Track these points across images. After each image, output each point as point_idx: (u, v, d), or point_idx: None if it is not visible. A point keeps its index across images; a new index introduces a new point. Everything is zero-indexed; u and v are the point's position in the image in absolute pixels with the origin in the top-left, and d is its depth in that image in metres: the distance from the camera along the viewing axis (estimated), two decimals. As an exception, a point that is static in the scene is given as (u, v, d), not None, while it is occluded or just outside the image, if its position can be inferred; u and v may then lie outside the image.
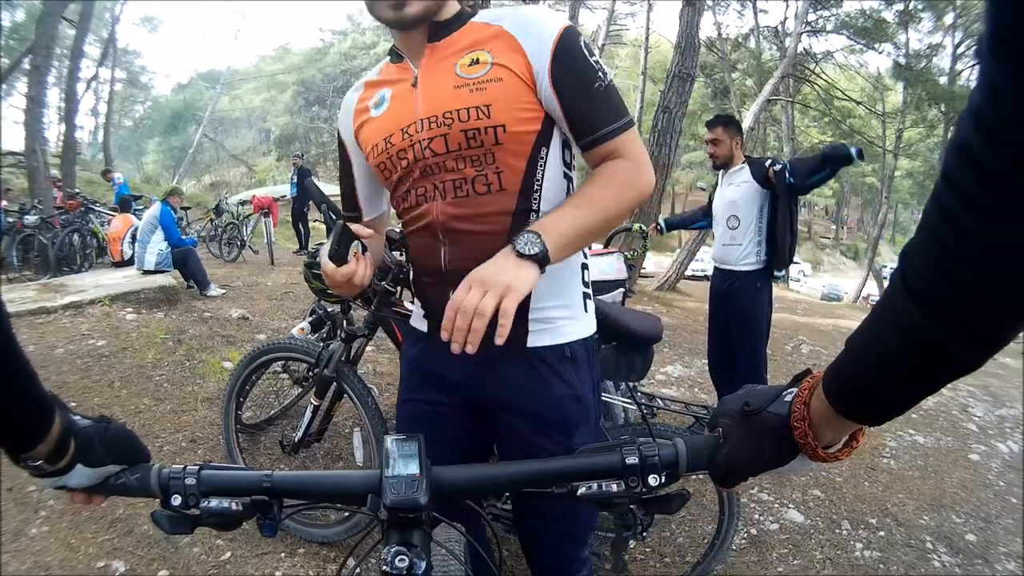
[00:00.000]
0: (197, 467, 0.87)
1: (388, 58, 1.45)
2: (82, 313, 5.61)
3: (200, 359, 4.77)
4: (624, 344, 2.27)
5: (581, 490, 0.87)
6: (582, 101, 1.26)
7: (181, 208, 9.27)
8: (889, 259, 46.41)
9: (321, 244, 2.86)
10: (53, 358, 4.54)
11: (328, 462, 3.43)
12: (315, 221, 13.89)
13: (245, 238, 11.74)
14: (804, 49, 23.26)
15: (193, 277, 7.43)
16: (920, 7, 23.87)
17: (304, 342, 2.83)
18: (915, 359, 0.62)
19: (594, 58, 1.28)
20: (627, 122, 1.30)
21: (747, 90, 26.01)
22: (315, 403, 2.72)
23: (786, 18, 25.55)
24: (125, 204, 9.75)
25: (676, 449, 0.86)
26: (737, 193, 4.09)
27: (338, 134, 1.54)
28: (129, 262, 8.37)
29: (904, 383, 0.65)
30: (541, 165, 1.31)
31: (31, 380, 0.77)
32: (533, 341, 1.37)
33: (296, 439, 2.83)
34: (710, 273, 4.44)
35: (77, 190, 13.64)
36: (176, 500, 0.85)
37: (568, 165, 1.37)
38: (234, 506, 0.86)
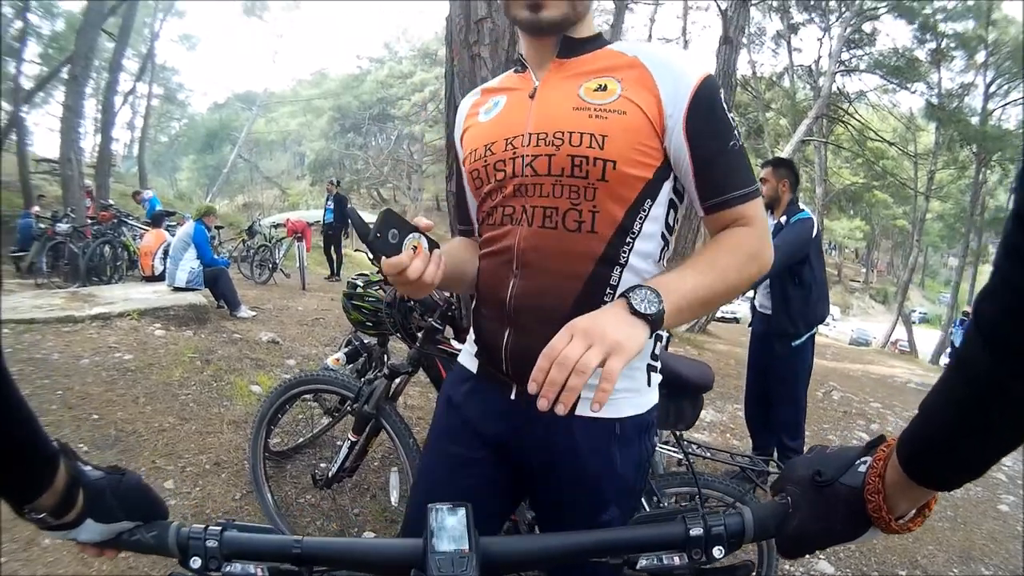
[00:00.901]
0: (220, 527, 0.82)
1: (512, 69, 1.38)
2: (110, 325, 5.63)
3: (228, 381, 4.75)
4: (674, 392, 2.19)
5: (641, 563, 0.82)
6: (716, 158, 1.16)
7: (214, 227, 9.33)
8: (918, 304, 46.03)
9: (362, 275, 2.84)
10: (78, 368, 4.54)
11: (355, 495, 3.37)
12: (349, 249, 13.91)
13: (277, 261, 11.80)
14: (837, 88, 23.28)
15: (224, 297, 7.43)
16: (952, 45, 23.87)
17: (342, 375, 2.79)
18: (994, 412, 0.60)
19: (731, 114, 1.18)
20: (756, 189, 1.19)
21: (781, 129, 26.04)
22: (352, 439, 2.65)
23: (820, 57, 25.66)
24: (158, 219, 9.85)
25: (742, 518, 0.81)
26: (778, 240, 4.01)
27: (449, 138, 1.53)
28: (160, 277, 8.43)
29: (983, 440, 0.63)
30: (641, 218, 1.18)
31: (29, 424, 0.71)
32: (583, 409, 1.20)
33: (330, 474, 2.76)
34: (740, 316, 4.37)
35: (111, 202, 13.78)
36: (196, 562, 0.80)
37: (669, 228, 1.25)
38: (260, 572, 0.81)
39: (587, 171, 1.14)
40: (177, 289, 7.27)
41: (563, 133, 1.16)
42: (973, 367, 0.60)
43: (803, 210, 3.96)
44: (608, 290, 1.19)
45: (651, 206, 1.18)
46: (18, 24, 21.42)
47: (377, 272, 2.84)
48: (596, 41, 1.27)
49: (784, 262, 3.77)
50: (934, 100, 24.34)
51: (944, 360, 15.85)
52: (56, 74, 22.29)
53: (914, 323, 29.90)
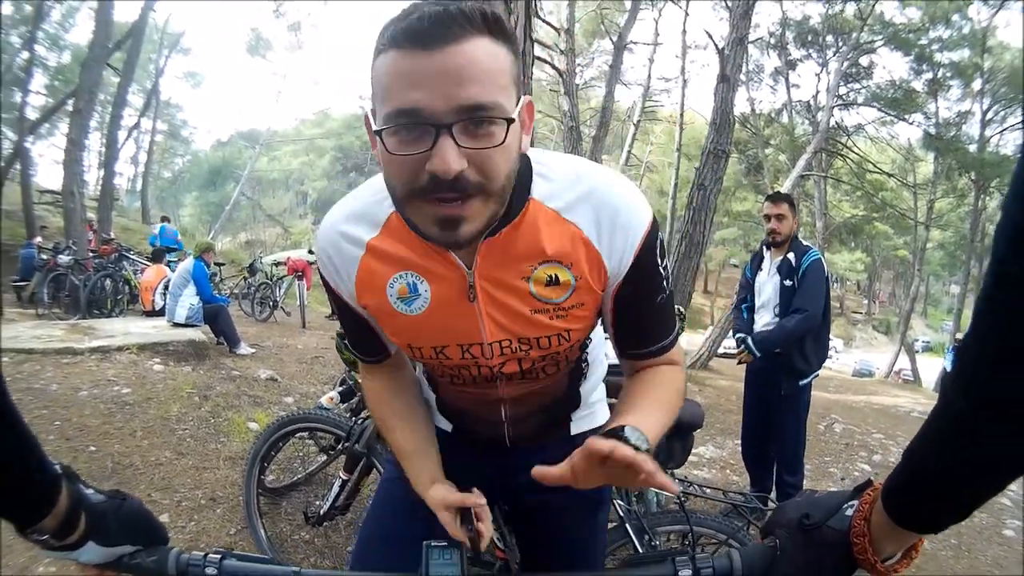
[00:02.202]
0: (219, 555, 0.85)
1: (394, 210, 1.03)
2: (109, 358, 5.64)
3: (225, 417, 4.75)
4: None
5: (632, 604, 0.83)
6: (640, 321, 1.12)
7: (215, 264, 9.37)
8: (921, 333, 45.89)
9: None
10: (76, 400, 4.56)
11: (350, 533, 3.35)
12: None
13: (278, 299, 11.88)
14: (836, 123, 23.45)
15: (223, 334, 7.42)
16: (949, 75, 24.13)
17: (335, 414, 2.82)
18: (973, 458, 0.62)
19: (664, 264, 1.09)
20: (674, 338, 1.16)
21: (780, 165, 26.15)
22: (344, 477, 2.68)
23: (818, 92, 25.86)
24: (158, 255, 9.93)
25: (731, 561, 0.83)
26: (775, 277, 4.05)
27: (324, 279, 1.18)
28: (160, 312, 8.49)
29: (963, 485, 0.65)
30: (592, 333, 1.23)
31: (32, 449, 0.73)
32: (576, 429, 1.36)
33: (322, 511, 2.78)
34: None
35: (112, 236, 13.94)
36: (194, 588, 0.81)
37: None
38: None
39: (556, 358, 1.16)
40: (176, 325, 7.29)
41: (529, 339, 1.08)
42: (952, 414, 0.62)
43: (810, 247, 3.99)
44: (582, 377, 1.31)
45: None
46: (24, 55, 21.67)
47: None
48: (521, 197, 1.01)
49: (821, 310, 3.84)
50: (932, 130, 24.52)
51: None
52: (61, 106, 22.18)
53: (917, 352, 29.83)
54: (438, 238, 0.90)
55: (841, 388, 14.43)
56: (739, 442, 4.52)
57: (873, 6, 22.56)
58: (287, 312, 12.06)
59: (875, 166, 24.80)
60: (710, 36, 11.48)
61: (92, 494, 0.85)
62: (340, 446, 2.73)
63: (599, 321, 1.19)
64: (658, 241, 1.04)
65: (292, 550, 3.19)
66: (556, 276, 1.03)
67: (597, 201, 1.01)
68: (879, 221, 31.09)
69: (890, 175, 25.88)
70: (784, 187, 16.84)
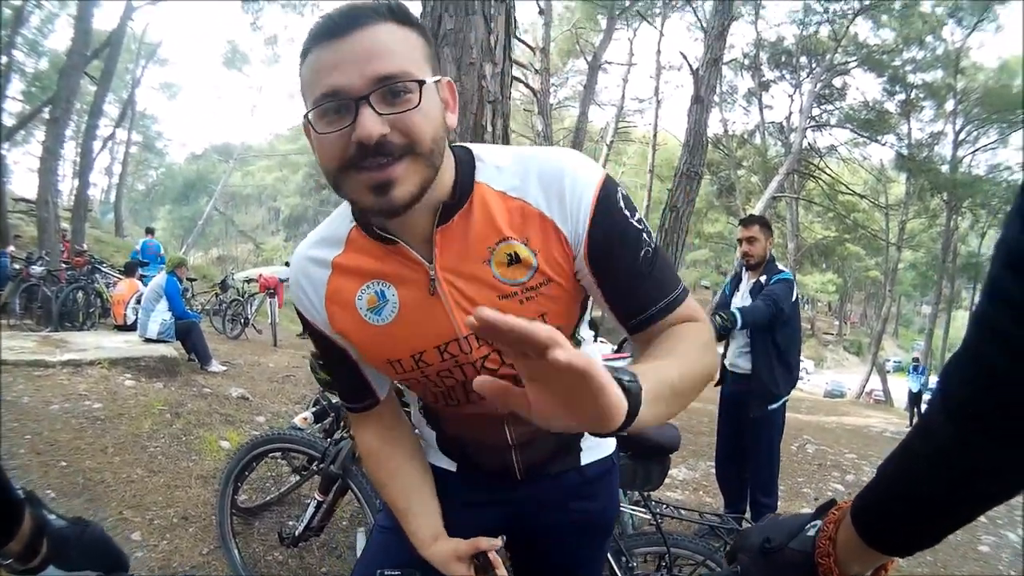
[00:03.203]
0: None
1: (353, 224, 1.11)
2: (80, 372, 5.56)
3: (197, 435, 4.68)
4: (642, 453, 2.22)
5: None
6: (629, 282, 1.06)
7: (187, 279, 9.26)
8: (893, 353, 46.37)
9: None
10: (48, 414, 4.49)
11: (323, 554, 3.32)
12: None
13: (249, 316, 11.74)
14: (808, 144, 23.78)
15: (195, 351, 7.30)
16: (922, 96, 24.57)
17: (309, 435, 2.79)
18: (952, 481, 0.61)
19: (636, 217, 1.05)
20: (681, 292, 1.08)
21: (752, 187, 26.49)
22: (319, 498, 2.65)
23: (791, 113, 26.26)
24: (131, 269, 9.82)
25: None
26: (747, 299, 4.07)
27: (300, 314, 1.19)
28: (132, 327, 8.34)
29: (940, 509, 0.63)
30: (581, 321, 1.21)
31: None
32: (587, 458, 1.33)
33: (296, 533, 2.75)
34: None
35: (85, 247, 13.65)
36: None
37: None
38: None
39: None
40: (148, 340, 7.17)
41: None
42: (935, 435, 0.61)
43: (783, 270, 4.03)
44: None
45: (586, 306, 1.21)
46: (2, 59, 21.29)
47: None
48: (464, 182, 1.05)
49: (768, 318, 3.80)
50: (904, 151, 24.96)
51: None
52: (38, 113, 22.03)
53: (889, 372, 30.15)
54: (374, 206, 0.94)
55: (813, 409, 14.57)
56: (711, 464, 4.54)
57: (847, 27, 23.00)
58: (258, 330, 11.89)
59: (847, 187, 25.18)
60: (685, 57, 11.56)
61: (55, 520, 0.86)
62: (315, 467, 2.70)
63: (586, 318, 1.21)
64: (619, 196, 1.04)
65: (265, 571, 3.15)
66: (516, 254, 1.03)
67: (539, 171, 1.04)
68: (851, 242, 31.49)
69: (862, 196, 26.30)
70: (756, 208, 17.05)
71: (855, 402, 23.11)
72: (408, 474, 1.28)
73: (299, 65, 0.94)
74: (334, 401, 2.98)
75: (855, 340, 53.74)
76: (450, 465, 1.35)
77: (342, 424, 2.73)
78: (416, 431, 1.38)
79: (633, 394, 0.73)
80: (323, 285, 1.12)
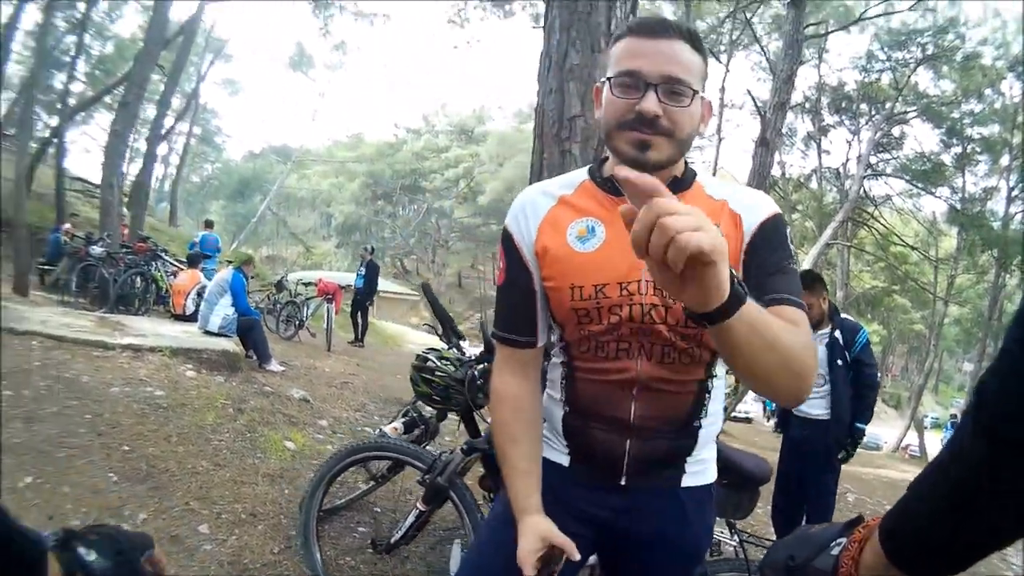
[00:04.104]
0: None
1: (587, 177, 1.38)
2: (140, 358, 5.62)
3: (261, 433, 4.75)
4: (734, 482, 2.26)
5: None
6: (775, 271, 1.22)
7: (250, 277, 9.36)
8: (931, 408, 45.24)
9: (433, 349, 2.90)
10: (108, 396, 4.54)
11: (396, 562, 3.32)
12: (374, 317, 13.78)
13: (304, 319, 11.77)
14: (864, 192, 23.46)
15: (255, 348, 7.34)
16: (978, 149, 24.08)
17: (418, 448, 2.85)
18: (983, 501, 0.58)
19: (791, 246, 1.29)
20: (803, 303, 1.21)
21: (806, 232, 26.07)
22: (421, 508, 2.69)
23: (848, 159, 25.90)
24: (194, 260, 9.94)
25: None
26: (823, 352, 4.07)
27: (507, 236, 1.39)
28: (190, 318, 8.46)
29: (971, 529, 0.61)
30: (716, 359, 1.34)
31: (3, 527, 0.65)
32: (687, 482, 1.39)
33: (392, 540, 2.81)
34: (752, 415, 4.43)
35: (147, 234, 13.69)
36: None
37: None
38: None
39: (697, 337, 1.27)
40: (208, 333, 7.22)
41: None
42: (967, 453, 0.60)
43: (859, 326, 4.15)
44: (707, 395, 1.36)
45: None
46: (71, 39, 21.62)
47: (448, 348, 2.93)
48: (687, 179, 1.34)
49: (876, 385, 4.12)
50: (957, 204, 24.46)
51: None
52: (105, 95, 22.42)
53: (926, 428, 29.44)
54: (633, 156, 1.21)
55: (851, 460, 14.31)
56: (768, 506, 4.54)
57: (909, 76, 22.68)
58: (312, 333, 11.94)
59: (900, 238, 24.72)
60: (754, 99, 11.52)
61: (95, 560, 0.75)
62: (423, 478, 2.72)
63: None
64: (784, 228, 1.29)
65: (337, 574, 3.18)
66: None
67: (739, 192, 1.33)
68: (899, 294, 30.92)
69: (914, 248, 25.81)
70: (809, 255, 16.79)
71: (891, 455, 22.64)
72: (535, 441, 1.41)
73: (610, 42, 1.31)
74: (424, 413, 3.03)
75: (895, 393, 52.51)
76: (563, 458, 1.44)
77: (430, 436, 2.78)
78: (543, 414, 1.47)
79: (737, 289, 0.88)
80: (545, 210, 1.36)
